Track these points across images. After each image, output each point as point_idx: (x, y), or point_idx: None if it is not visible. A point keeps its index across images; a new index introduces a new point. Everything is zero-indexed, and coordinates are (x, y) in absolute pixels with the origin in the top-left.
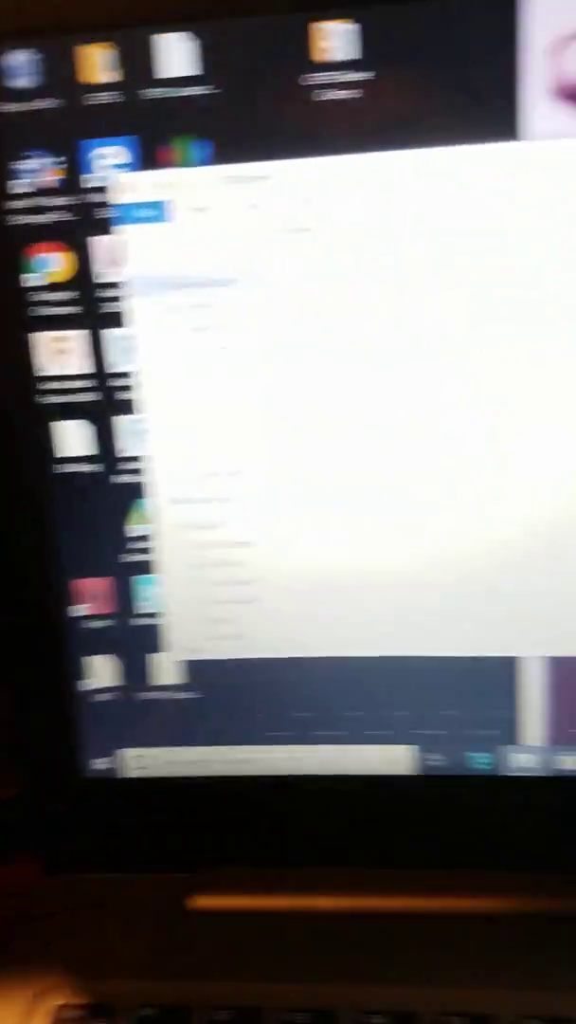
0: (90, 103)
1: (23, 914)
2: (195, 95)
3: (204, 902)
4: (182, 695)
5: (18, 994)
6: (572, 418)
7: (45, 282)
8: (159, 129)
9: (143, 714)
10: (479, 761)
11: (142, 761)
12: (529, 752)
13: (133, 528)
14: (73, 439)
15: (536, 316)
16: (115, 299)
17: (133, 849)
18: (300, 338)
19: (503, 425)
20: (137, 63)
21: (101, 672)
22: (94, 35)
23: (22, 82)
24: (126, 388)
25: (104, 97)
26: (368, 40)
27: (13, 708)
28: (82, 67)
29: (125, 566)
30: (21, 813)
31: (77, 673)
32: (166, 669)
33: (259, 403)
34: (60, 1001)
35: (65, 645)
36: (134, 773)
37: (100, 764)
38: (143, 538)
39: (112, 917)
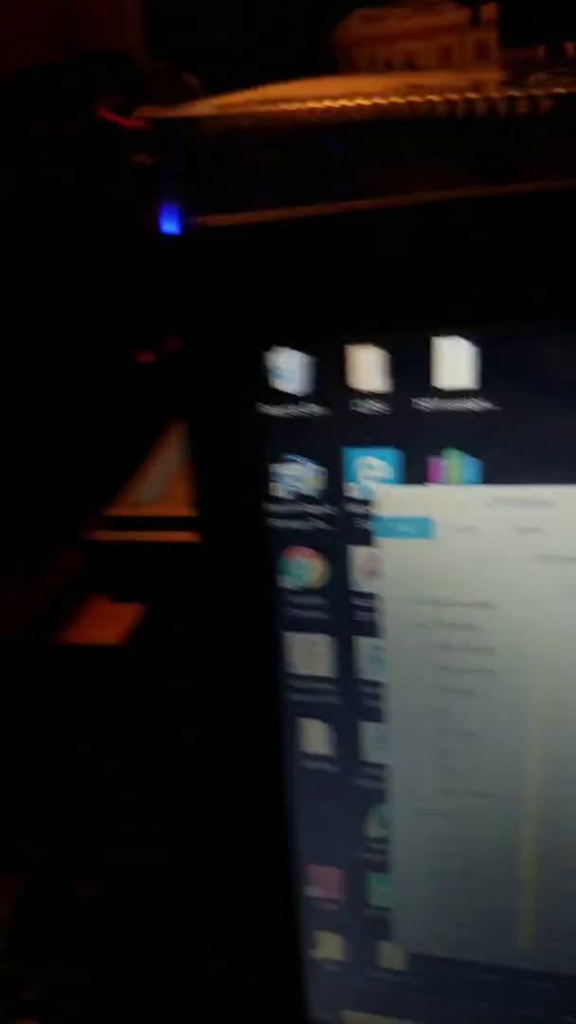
0: (358, 411)
1: None
2: (471, 410)
3: None
4: (405, 980)
5: None
6: None
7: (301, 586)
8: (429, 443)
9: (365, 986)
10: None
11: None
12: None
13: (372, 829)
14: (318, 738)
15: None
16: (369, 609)
17: None
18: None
19: None
20: (410, 370)
21: (329, 946)
22: (368, 338)
23: (289, 385)
24: (374, 696)
25: (374, 406)
26: None
27: None
28: (353, 372)
29: (360, 861)
30: None
31: (309, 942)
32: (391, 956)
33: (513, 731)
34: None
35: (298, 918)
36: None
37: (323, 1019)
38: (382, 840)
39: None
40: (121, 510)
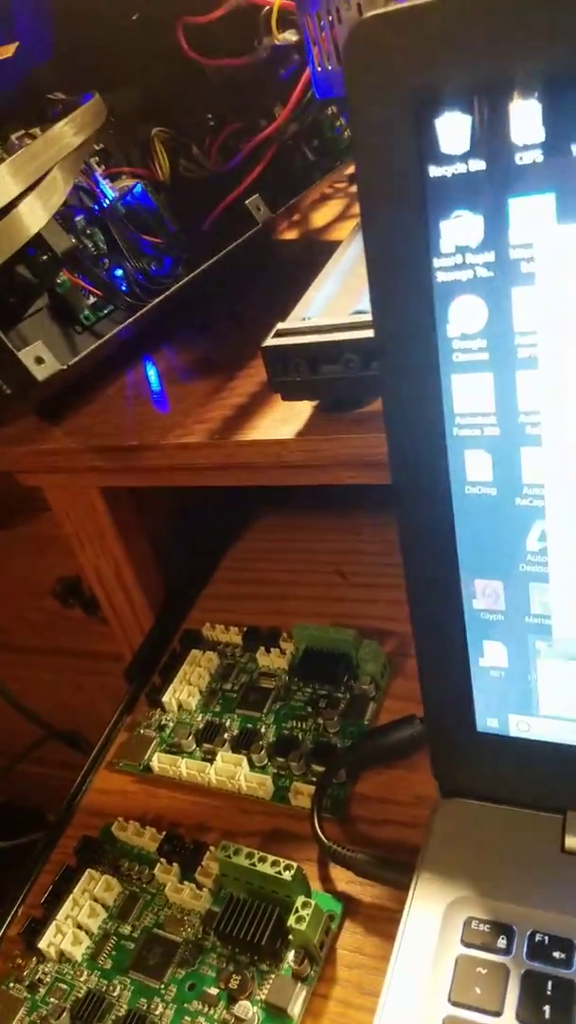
0: (518, 161)
1: None
2: None
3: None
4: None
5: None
6: None
7: (466, 331)
8: None
9: (526, 689)
10: None
11: (523, 725)
12: None
13: (531, 543)
14: (483, 466)
15: None
16: (532, 345)
17: (513, 789)
18: None
19: None
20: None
21: (494, 654)
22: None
23: (455, 146)
24: (534, 424)
25: (532, 155)
26: None
27: None
28: (513, 126)
29: (522, 574)
30: None
31: (476, 652)
32: (549, 660)
33: None
34: (469, 914)
35: (467, 629)
36: (515, 733)
37: (490, 723)
38: (540, 552)
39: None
40: (290, 323)
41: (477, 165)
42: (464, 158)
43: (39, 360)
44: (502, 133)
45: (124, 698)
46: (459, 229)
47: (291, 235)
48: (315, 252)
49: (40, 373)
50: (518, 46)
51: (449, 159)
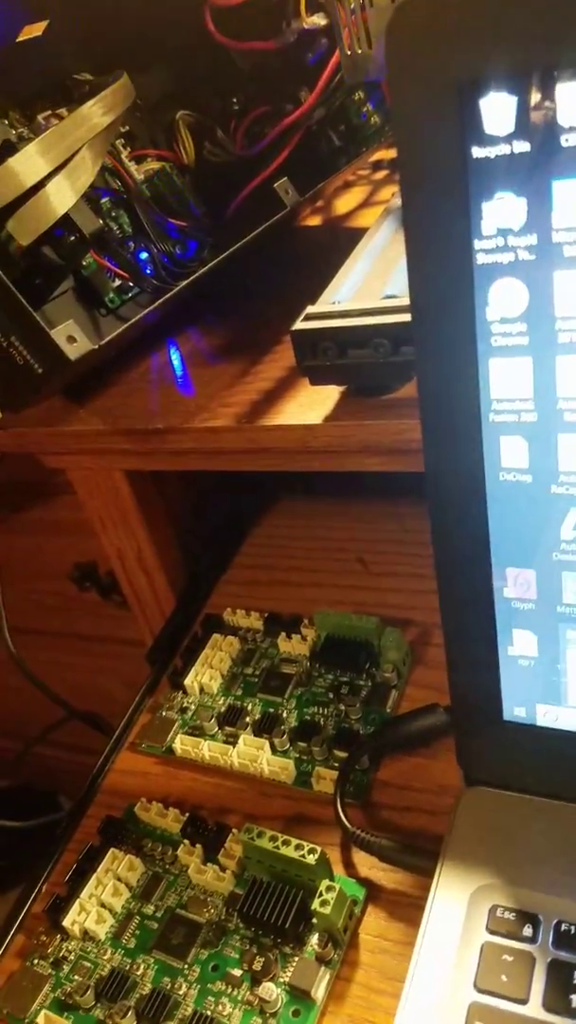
0: (564, 144)
1: None
2: None
3: None
4: None
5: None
6: None
7: (507, 315)
8: None
9: (555, 679)
10: None
11: (551, 715)
12: None
13: (566, 532)
14: (519, 453)
15: None
16: (573, 330)
17: (539, 779)
18: None
19: None
20: None
21: (524, 643)
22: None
23: (499, 127)
24: (573, 411)
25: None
26: None
27: None
28: (560, 108)
29: (555, 562)
30: None
31: (505, 640)
32: None
33: None
34: (495, 901)
35: (497, 617)
36: (543, 723)
37: (517, 712)
38: (574, 541)
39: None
40: (320, 307)
41: (521, 147)
42: (508, 139)
43: (71, 339)
44: (548, 115)
45: (146, 679)
46: (501, 211)
47: (314, 222)
48: (339, 238)
49: (72, 353)
50: (565, 26)
51: (493, 140)
